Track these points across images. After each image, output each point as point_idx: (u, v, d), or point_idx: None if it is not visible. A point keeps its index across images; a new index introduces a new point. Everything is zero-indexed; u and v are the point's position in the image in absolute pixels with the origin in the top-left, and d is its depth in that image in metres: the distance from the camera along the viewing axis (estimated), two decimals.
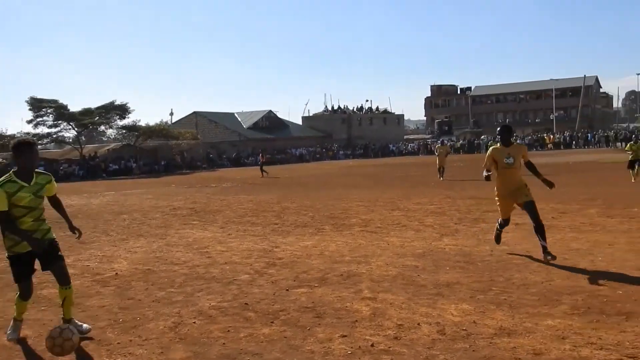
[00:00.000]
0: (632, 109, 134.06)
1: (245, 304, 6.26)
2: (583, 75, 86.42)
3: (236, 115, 74.94)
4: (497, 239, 8.65)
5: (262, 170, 35.51)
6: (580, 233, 9.81)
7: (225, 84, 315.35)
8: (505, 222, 8.36)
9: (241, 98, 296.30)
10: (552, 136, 69.26)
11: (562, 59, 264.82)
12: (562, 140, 67.62)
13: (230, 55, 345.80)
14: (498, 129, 8.24)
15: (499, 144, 8.16)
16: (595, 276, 6.77)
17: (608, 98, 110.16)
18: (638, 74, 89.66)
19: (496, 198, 8.27)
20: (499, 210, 8.34)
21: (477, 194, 17.47)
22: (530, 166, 8.05)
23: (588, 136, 66.87)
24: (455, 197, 16.97)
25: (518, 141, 9.86)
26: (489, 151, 8.20)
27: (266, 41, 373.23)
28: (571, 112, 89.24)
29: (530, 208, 7.75)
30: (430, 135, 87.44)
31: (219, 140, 65.22)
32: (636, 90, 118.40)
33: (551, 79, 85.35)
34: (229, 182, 30.21)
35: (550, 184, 7.81)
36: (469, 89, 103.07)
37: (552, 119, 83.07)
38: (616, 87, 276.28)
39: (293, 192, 21.60)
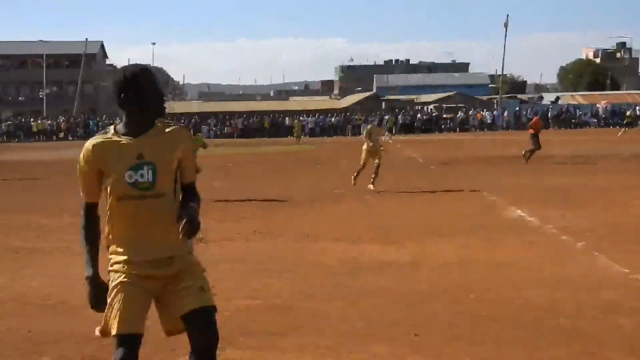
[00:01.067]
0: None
1: None
2: (85, 39, 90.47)
3: None
4: None
5: None
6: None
7: None
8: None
9: None
10: (40, 122, 71.03)
11: (56, 18, 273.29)
12: (52, 127, 70.19)
13: None
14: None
15: (107, 133, 4.10)
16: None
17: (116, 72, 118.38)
18: (154, 43, 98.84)
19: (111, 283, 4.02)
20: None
21: None
22: (187, 192, 4.15)
23: (90, 124, 70.34)
24: None
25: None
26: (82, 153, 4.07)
27: None
28: (68, 89, 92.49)
29: (201, 322, 3.92)
30: None
31: None
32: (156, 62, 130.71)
33: (41, 41, 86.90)
34: None
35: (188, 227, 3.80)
36: None
37: (43, 98, 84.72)
38: (126, 59, 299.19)
39: None
